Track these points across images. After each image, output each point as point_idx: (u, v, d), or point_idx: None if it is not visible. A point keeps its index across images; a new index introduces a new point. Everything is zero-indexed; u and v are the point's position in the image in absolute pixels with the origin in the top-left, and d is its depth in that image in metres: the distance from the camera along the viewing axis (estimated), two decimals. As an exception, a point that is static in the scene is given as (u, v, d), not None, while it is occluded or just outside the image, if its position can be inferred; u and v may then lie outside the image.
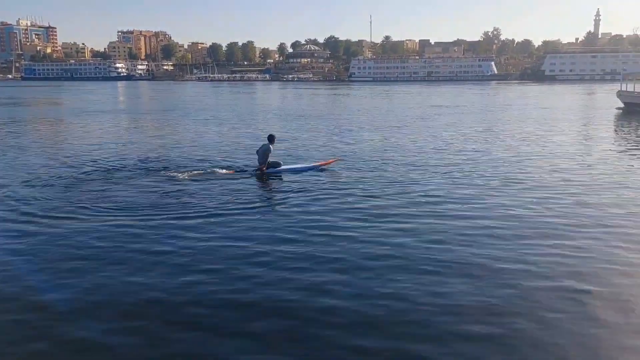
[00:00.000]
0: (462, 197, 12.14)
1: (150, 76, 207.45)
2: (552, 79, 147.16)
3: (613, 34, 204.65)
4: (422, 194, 12.46)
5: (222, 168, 15.63)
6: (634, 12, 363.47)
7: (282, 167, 15.34)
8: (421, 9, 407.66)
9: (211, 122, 33.64)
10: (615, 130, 28.51)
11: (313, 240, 9.14)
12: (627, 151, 19.83)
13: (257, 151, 15.30)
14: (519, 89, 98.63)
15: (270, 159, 15.05)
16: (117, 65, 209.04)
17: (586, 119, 34.71)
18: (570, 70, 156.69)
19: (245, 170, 15.40)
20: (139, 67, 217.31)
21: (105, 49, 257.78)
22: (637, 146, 21.16)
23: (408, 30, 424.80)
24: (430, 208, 11.16)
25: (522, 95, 73.22)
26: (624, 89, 42.48)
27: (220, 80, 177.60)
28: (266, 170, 14.93)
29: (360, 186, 13.35)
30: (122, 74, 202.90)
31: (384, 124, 31.61)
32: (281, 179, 14.67)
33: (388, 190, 12.80)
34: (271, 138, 15.19)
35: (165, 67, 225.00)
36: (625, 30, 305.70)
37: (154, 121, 35.90)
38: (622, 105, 41.30)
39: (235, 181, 14.13)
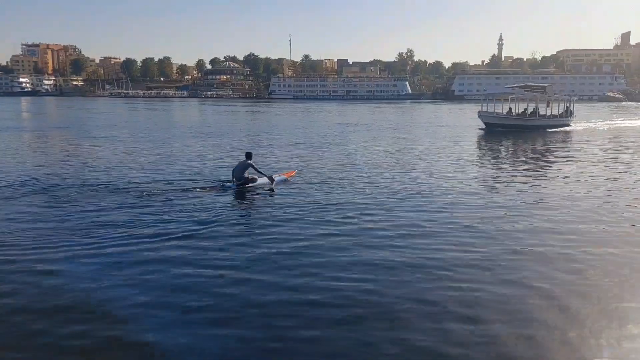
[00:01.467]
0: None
1: (58, 92, 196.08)
2: (461, 99, 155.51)
3: (515, 57, 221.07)
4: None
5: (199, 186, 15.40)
6: (533, 38, 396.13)
7: (258, 181, 15.38)
8: (339, 29, 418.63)
9: (118, 140, 32.21)
10: (460, 149, 28.29)
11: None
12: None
13: (234, 168, 15.30)
14: (430, 107, 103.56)
15: (247, 175, 15.06)
16: (21, 80, 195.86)
17: (450, 139, 34.09)
18: (477, 90, 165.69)
19: (224, 187, 15.09)
20: (46, 82, 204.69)
21: (7, 62, 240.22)
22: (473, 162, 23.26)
23: (327, 49, 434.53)
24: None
25: (431, 113, 77.10)
26: (484, 109, 43.32)
27: (135, 97, 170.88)
28: (246, 185, 14.94)
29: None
30: (26, 89, 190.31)
31: (303, 141, 31.91)
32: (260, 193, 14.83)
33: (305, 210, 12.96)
34: (249, 155, 15.31)
35: (75, 83, 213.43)
36: (525, 54, 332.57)
37: (55, 140, 33.78)
38: (483, 125, 42.15)
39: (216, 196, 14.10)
